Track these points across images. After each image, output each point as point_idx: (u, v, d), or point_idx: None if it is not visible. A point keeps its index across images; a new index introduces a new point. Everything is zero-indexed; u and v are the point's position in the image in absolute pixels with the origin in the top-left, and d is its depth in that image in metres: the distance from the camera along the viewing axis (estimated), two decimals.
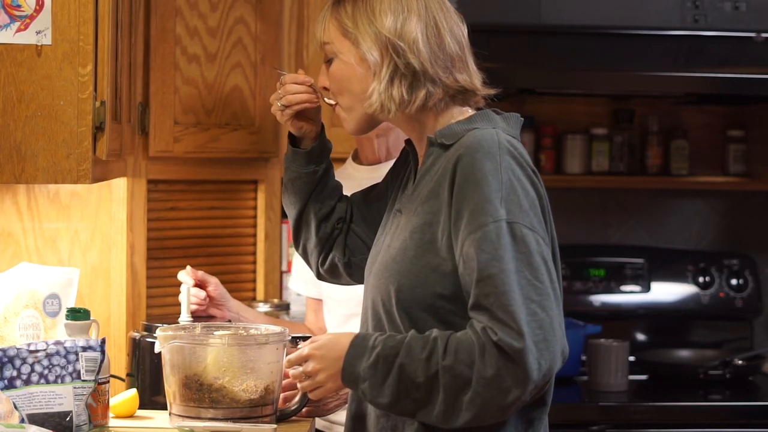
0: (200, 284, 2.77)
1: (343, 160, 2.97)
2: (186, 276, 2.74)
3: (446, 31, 2.20)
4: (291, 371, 2.25)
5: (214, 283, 2.78)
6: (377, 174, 2.87)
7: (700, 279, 3.96)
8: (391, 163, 2.55)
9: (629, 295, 3.94)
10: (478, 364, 2.01)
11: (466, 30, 2.25)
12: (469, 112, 2.23)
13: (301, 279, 2.98)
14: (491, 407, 2.02)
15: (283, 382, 2.42)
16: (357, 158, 2.94)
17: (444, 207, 2.11)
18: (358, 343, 2.13)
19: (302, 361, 2.22)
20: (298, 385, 2.25)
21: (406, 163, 2.36)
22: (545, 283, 2.04)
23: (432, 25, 2.18)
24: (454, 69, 2.19)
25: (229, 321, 2.76)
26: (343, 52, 2.24)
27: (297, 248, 2.53)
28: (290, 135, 2.47)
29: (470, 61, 2.24)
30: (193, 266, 2.78)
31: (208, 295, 2.78)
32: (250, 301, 3.16)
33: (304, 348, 2.23)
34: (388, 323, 2.18)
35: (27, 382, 2.38)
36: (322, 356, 2.18)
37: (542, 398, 2.16)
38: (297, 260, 2.98)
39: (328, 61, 2.29)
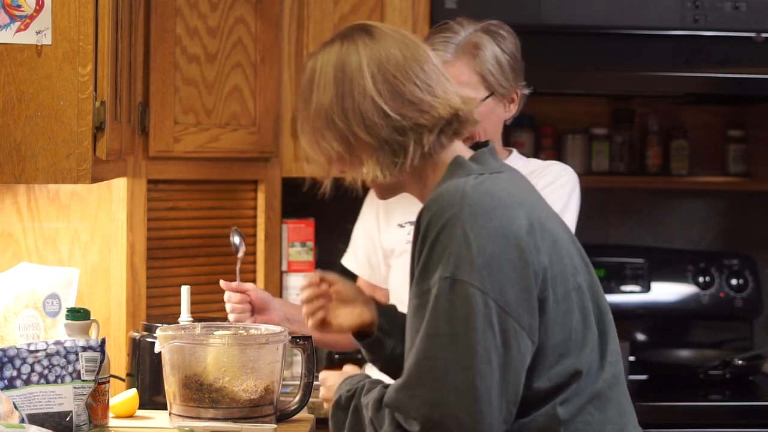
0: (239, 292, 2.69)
1: None
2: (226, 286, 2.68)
3: (405, 81, 2.04)
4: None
5: (252, 289, 2.70)
6: None
7: (700, 279, 3.95)
8: None
9: (629, 295, 3.94)
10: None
11: (430, 54, 2.10)
12: (448, 159, 2.07)
13: (355, 258, 2.96)
14: None
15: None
16: None
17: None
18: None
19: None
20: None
21: None
22: (488, 350, 1.87)
23: (383, 89, 2.04)
24: (423, 105, 2.05)
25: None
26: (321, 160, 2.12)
27: None
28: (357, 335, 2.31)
29: (439, 87, 2.07)
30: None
31: (250, 303, 2.69)
32: None
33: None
34: None
35: (27, 382, 2.38)
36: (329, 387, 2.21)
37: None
38: (356, 235, 2.96)
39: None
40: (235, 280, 2.68)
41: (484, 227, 1.91)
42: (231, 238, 2.72)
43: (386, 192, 2.16)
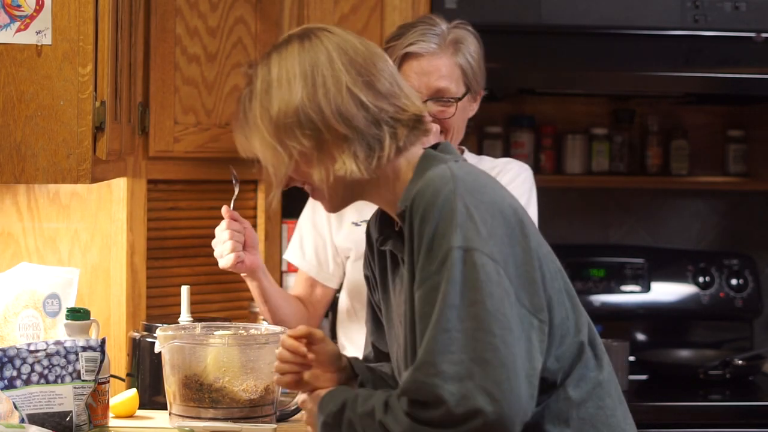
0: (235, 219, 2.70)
1: None
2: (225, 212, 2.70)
3: (375, 73, 2.02)
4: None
5: (247, 226, 2.72)
6: None
7: (700, 279, 3.95)
8: None
9: (629, 295, 3.94)
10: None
11: (387, 57, 2.08)
12: (417, 156, 2.05)
13: (302, 253, 2.94)
14: None
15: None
16: None
17: (407, 273, 1.94)
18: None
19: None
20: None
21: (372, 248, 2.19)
22: (508, 317, 1.80)
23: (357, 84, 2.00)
24: (395, 99, 2.02)
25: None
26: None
27: None
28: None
29: (404, 85, 2.06)
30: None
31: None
32: (250, 300, 3.16)
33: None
34: None
35: (27, 382, 2.38)
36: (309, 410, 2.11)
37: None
38: (300, 230, 2.95)
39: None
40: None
41: (482, 201, 1.88)
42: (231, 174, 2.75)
43: (340, 202, 2.08)
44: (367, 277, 2.22)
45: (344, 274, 2.93)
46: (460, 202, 1.86)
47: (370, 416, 1.88)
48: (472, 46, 2.73)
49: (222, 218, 2.70)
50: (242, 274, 2.75)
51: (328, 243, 2.90)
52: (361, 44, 2.04)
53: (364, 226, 2.84)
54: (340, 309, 2.96)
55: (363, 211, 2.85)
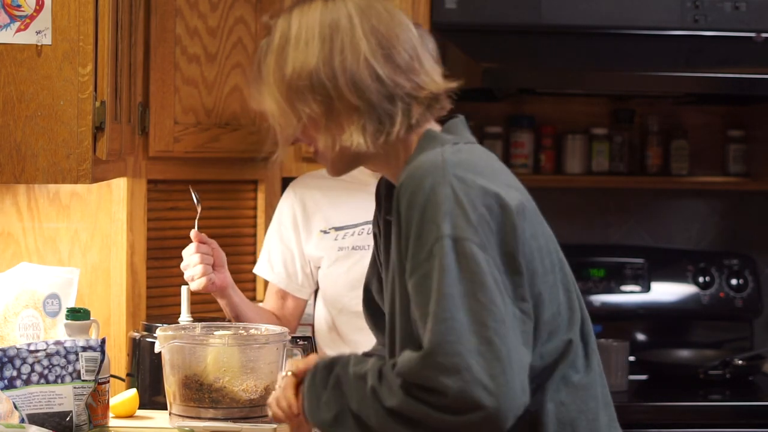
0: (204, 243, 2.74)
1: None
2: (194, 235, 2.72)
3: (397, 45, 1.95)
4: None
5: (215, 246, 2.74)
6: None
7: (700, 279, 3.95)
8: None
9: (629, 295, 3.94)
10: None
11: (410, 24, 2.01)
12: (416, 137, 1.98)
13: (270, 266, 2.94)
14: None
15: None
16: None
17: (394, 252, 1.89)
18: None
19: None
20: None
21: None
22: (500, 308, 1.77)
23: (374, 49, 1.94)
24: (413, 75, 1.96)
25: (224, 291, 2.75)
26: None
27: None
28: None
29: (425, 59, 1.98)
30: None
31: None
32: (250, 300, 3.16)
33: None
34: None
35: (27, 382, 2.38)
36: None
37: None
38: (268, 243, 2.96)
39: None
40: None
41: (471, 187, 1.82)
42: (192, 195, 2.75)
43: (344, 166, 2.00)
44: (375, 234, 2.17)
45: (315, 284, 2.93)
46: (447, 188, 1.81)
47: (362, 379, 1.83)
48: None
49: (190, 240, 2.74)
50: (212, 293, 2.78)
51: (296, 254, 2.90)
52: (386, 11, 1.97)
53: (333, 233, 2.86)
54: (317, 320, 2.95)
55: (331, 218, 2.87)
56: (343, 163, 2.00)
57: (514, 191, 1.89)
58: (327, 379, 1.89)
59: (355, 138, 1.93)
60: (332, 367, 1.90)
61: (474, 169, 1.87)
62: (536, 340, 1.87)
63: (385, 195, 2.08)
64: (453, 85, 1.99)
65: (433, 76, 1.98)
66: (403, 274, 1.86)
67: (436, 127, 2.00)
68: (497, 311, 1.76)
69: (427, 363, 1.75)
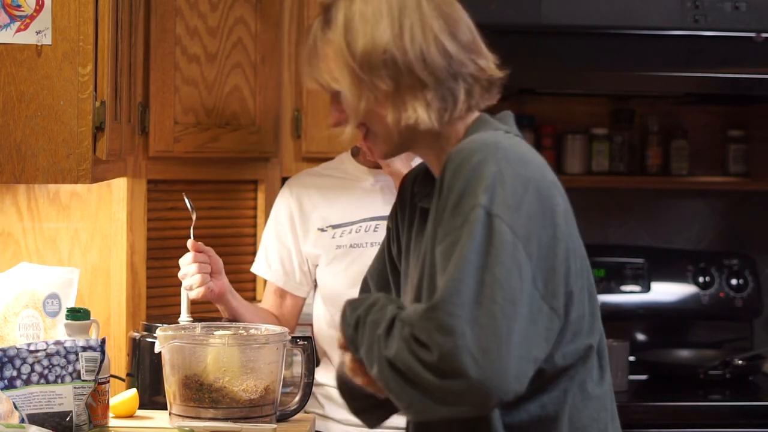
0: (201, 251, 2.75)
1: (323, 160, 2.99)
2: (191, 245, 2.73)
3: (459, 23, 2.01)
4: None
5: (211, 254, 2.76)
6: (378, 180, 2.87)
7: (700, 279, 3.95)
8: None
9: (629, 295, 3.94)
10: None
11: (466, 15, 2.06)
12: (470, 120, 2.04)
13: (268, 265, 2.95)
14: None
15: None
16: (357, 156, 2.93)
17: (430, 225, 1.91)
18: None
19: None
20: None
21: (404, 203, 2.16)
22: (515, 291, 1.75)
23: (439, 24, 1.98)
24: (475, 56, 2.00)
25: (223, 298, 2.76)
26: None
27: None
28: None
29: (482, 44, 2.03)
30: None
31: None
32: (250, 300, 3.16)
33: None
34: None
35: (27, 382, 2.38)
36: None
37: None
38: (265, 241, 2.96)
39: None
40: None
41: (518, 173, 1.84)
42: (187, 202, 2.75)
43: (398, 147, 2.02)
44: (389, 229, 2.18)
45: (313, 282, 2.93)
46: (495, 166, 1.82)
47: (375, 325, 1.85)
48: None
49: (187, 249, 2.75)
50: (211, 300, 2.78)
51: (294, 252, 2.90)
52: None
53: (330, 231, 2.86)
54: (317, 319, 2.95)
55: (328, 216, 2.86)
56: (395, 144, 2.01)
57: (556, 190, 1.91)
58: (353, 317, 1.91)
59: (420, 113, 1.95)
60: (357, 306, 1.92)
61: (523, 158, 1.89)
62: (562, 338, 1.87)
63: (423, 181, 2.08)
64: (503, 74, 2.03)
65: (489, 62, 2.01)
66: (434, 246, 1.86)
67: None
68: (510, 292, 1.74)
69: (428, 315, 1.75)
